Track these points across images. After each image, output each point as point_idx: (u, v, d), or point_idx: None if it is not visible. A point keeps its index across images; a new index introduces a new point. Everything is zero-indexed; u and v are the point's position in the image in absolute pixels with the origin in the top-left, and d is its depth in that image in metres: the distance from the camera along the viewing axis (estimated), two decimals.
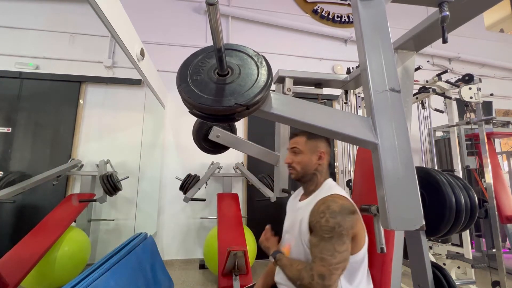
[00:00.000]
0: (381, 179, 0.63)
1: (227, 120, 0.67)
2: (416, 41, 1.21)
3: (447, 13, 0.88)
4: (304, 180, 1.02)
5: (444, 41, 1.01)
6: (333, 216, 0.82)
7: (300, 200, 1.05)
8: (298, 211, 0.99)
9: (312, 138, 1.01)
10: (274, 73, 1.78)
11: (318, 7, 3.92)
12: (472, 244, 2.63)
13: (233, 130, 1.45)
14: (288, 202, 1.16)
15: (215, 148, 1.40)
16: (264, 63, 0.73)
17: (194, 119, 3.51)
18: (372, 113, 0.70)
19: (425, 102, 2.86)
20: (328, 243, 0.79)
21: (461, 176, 2.18)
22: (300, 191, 1.13)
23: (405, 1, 0.96)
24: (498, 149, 3.95)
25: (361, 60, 0.77)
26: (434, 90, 2.60)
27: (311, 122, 0.71)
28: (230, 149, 3.21)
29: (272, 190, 2.70)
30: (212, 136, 1.27)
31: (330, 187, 0.95)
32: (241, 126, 3.40)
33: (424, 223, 0.62)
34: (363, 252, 0.88)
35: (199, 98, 0.64)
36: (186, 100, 0.65)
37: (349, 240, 0.81)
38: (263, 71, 0.71)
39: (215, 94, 0.65)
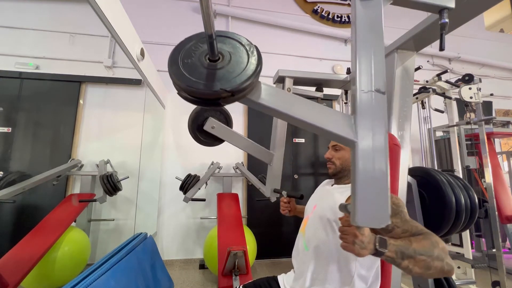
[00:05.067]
0: (355, 176, 0.66)
1: (213, 104, 0.70)
2: (416, 41, 1.21)
3: (447, 20, 0.89)
4: (340, 176, 1.05)
5: (441, 49, 1.04)
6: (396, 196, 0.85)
7: (333, 185, 1.09)
8: (331, 190, 1.02)
9: None
10: (274, 73, 1.78)
11: (318, 7, 3.92)
12: (472, 244, 2.63)
13: (229, 123, 1.43)
14: (316, 189, 1.19)
15: (209, 139, 1.36)
16: (255, 52, 0.74)
17: None
18: (355, 112, 0.72)
19: (425, 102, 2.86)
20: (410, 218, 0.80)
21: (461, 176, 2.18)
22: (330, 181, 1.14)
23: (406, 5, 0.97)
24: (498, 149, 3.95)
25: (352, 59, 0.79)
26: (434, 90, 2.60)
27: (295, 115, 0.74)
28: (230, 149, 3.22)
29: None
30: (207, 127, 1.26)
31: None
32: (241, 124, 3.41)
33: (389, 222, 0.64)
34: None
35: (187, 81, 0.66)
36: (175, 82, 0.68)
37: None
38: (253, 60, 0.72)
39: (203, 78, 0.67)
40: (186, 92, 0.68)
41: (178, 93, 0.70)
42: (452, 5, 0.92)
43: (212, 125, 1.25)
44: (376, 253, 0.69)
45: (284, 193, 1.22)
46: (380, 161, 0.67)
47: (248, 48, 0.74)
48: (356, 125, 0.71)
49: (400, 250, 0.69)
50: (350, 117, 0.74)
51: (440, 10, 0.93)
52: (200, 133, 1.31)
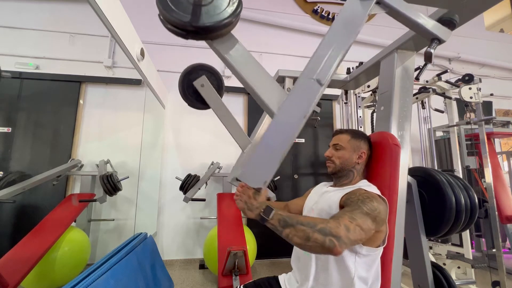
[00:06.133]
0: (260, 139, 0.75)
1: (181, 35, 0.78)
2: (416, 41, 1.22)
3: (432, 51, 0.91)
4: (340, 175, 1.05)
5: (416, 78, 1.06)
6: (372, 198, 0.83)
7: (329, 187, 1.08)
8: (327, 193, 1.02)
9: (355, 137, 1.05)
10: (274, 73, 1.78)
11: (318, 7, 3.92)
12: (472, 244, 2.63)
13: (219, 92, 1.38)
14: (313, 189, 1.18)
15: (195, 99, 1.30)
16: (236, 4, 0.82)
17: (194, 119, 3.48)
18: (291, 91, 0.80)
19: (425, 102, 2.86)
20: (361, 213, 0.78)
21: (461, 176, 2.18)
22: (327, 183, 1.15)
23: (400, 20, 0.98)
24: (498, 149, 3.95)
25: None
26: (434, 90, 2.60)
27: (242, 74, 0.83)
28: (230, 149, 3.21)
29: (273, 191, 2.70)
30: (196, 83, 1.23)
31: (369, 185, 0.96)
32: (241, 125, 3.40)
33: (261, 186, 0.73)
34: (380, 251, 0.89)
35: (165, 6, 0.75)
36: (156, 5, 0.76)
37: (375, 227, 0.80)
38: (229, 10, 0.80)
39: (182, 10, 0.75)
40: (163, 16, 0.76)
41: (158, 15, 0.78)
42: (445, 38, 0.94)
43: (202, 83, 1.22)
44: (261, 219, 0.76)
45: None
46: (284, 138, 0.74)
47: None
48: (284, 101, 0.78)
49: (283, 219, 0.74)
50: (285, 94, 0.82)
51: (432, 39, 0.95)
52: (188, 88, 1.28)
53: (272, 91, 0.83)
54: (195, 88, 1.23)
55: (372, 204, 0.81)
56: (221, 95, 1.31)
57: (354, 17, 0.87)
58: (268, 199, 2.67)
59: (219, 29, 0.78)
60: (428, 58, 0.94)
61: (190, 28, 0.74)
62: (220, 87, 1.33)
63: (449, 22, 0.94)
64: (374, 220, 0.78)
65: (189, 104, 1.30)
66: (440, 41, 0.93)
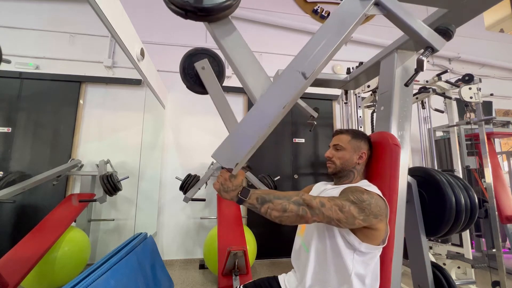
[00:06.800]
0: (238, 123, 0.79)
1: (181, 15, 0.81)
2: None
3: (424, 58, 0.92)
4: (340, 175, 1.05)
5: (406, 84, 1.06)
6: (364, 192, 0.84)
7: (329, 185, 1.10)
8: (326, 190, 1.03)
9: (356, 138, 1.06)
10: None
11: (318, 7, 3.92)
12: (472, 244, 2.63)
13: (220, 80, 1.37)
14: (313, 186, 1.20)
15: (194, 82, 1.27)
16: None
17: (194, 119, 3.47)
18: (275, 80, 0.82)
19: (425, 102, 2.87)
20: (346, 200, 0.81)
21: (461, 176, 2.18)
22: (327, 182, 1.16)
23: (396, 24, 0.98)
24: (498, 149, 3.95)
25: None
26: (434, 90, 2.60)
27: (233, 59, 0.86)
28: None
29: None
30: (198, 65, 1.21)
31: (369, 185, 0.97)
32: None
33: (233, 167, 0.75)
34: (379, 250, 0.89)
35: None
36: None
37: (363, 219, 0.80)
38: None
39: None
40: None
41: None
42: (439, 48, 0.95)
43: (203, 65, 1.21)
44: (238, 200, 0.79)
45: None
46: (261, 125, 0.77)
47: None
48: (267, 89, 0.81)
49: (261, 197, 0.79)
50: (270, 83, 0.85)
51: (427, 47, 0.95)
52: (189, 70, 1.26)
53: (258, 79, 0.86)
54: (195, 71, 1.22)
55: (361, 195, 0.82)
56: (221, 83, 1.30)
57: (349, 16, 0.87)
58: None
59: (218, 11, 0.80)
60: (419, 65, 0.94)
61: (189, 8, 0.77)
62: (220, 74, 1.32)
63: (445, 32, 0.94)
64: (361, 210, 0.80)
65: (187, 87, 1.29)
66: (433, 50, 0.93)
